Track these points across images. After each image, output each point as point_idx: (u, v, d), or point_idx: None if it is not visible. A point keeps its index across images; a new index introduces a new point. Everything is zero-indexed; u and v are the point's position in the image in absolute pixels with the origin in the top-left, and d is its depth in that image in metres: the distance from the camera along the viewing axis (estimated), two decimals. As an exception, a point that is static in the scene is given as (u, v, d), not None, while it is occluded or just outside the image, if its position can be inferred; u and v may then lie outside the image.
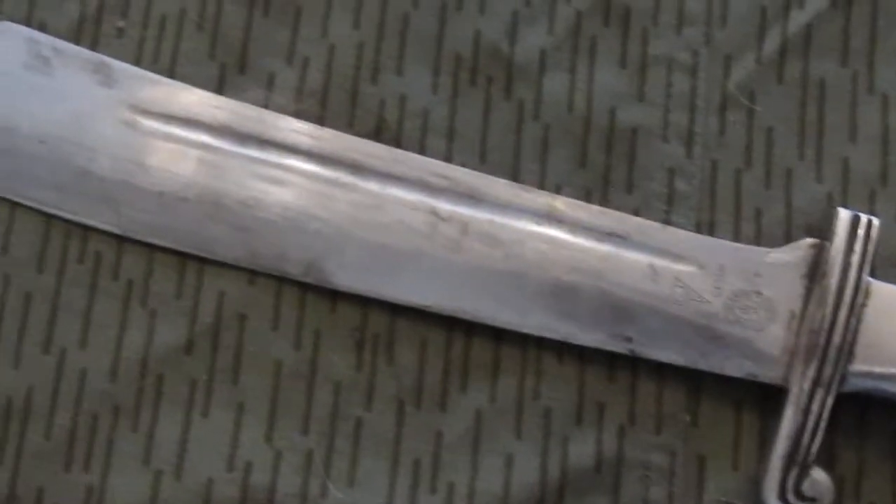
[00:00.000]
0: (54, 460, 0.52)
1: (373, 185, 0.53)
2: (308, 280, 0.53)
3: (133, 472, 0.52)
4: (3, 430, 0.52)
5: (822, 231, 0.52)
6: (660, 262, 0.52)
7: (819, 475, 0.50)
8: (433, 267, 0.53)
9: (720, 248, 0.52)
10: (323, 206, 0.53)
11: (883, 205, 0.54)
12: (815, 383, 0.50)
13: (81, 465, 0.52)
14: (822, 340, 0.50)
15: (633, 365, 0.53)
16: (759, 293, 0.51)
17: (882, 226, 0.51)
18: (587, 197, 0.54)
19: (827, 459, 0.51)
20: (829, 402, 0.50)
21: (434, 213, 0.53)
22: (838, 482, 0.51)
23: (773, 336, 0.51)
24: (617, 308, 0.52)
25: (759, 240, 0.54)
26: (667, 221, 0.54)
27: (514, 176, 0.54)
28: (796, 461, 0.50)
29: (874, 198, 0.54)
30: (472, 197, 0.53)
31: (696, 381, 0.53)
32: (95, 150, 0.54)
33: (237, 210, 0.53)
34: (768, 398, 0.52)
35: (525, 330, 0.52)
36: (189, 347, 0.53)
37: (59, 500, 0.52)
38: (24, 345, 0.53)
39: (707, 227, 0.54)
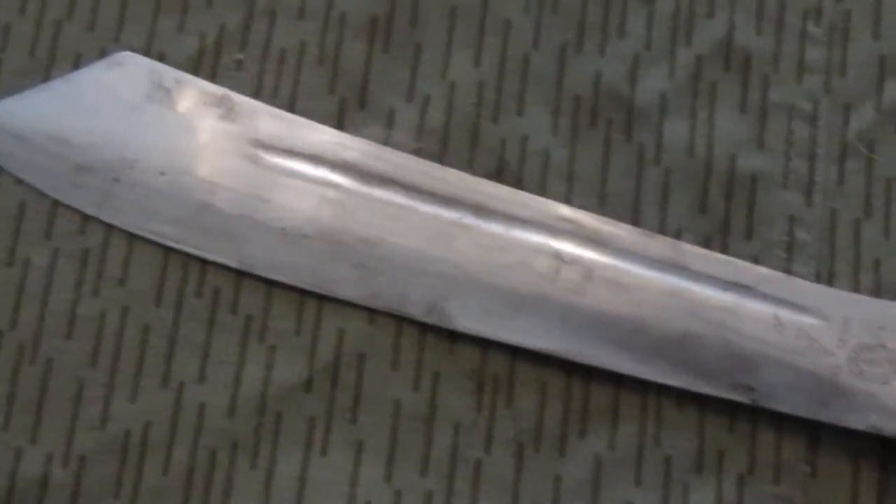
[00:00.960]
0: (172, 496, 0.52)
1: (496, 227, 0.53)
2: (428, 321, 0.53)
3: (252, 509, 0.52)
4: (120, 464, 0.52)
5: (943, 284, 0.52)
6: (784, 314, 0.52)
7: (941, 529, 0.51)
8: (554, 311, 0.52)
9: (845, 301, 0.52)
10: (445, 246, 0.53)
11: None
12: (940, 438, 0.50)
13: (199, 502, 0.52)
14: (949, 397, 0.50)
15: (753, 413, 0.53)
16: (883, 346, 0.51)
17: None
18: (707, 243, 0.54)
19: (947, 514, 0.52)
20: (954, 457, 0.50)
21: (558, 256, 0.53)
22: (957, 539, 0.51)
23: (898, 390, 0.51)
24: (739, 358, 0.52)
25: (878, 290, 0.54)
26: (787, 270, 0.54)
27: (634, 220, 0.54)
28: (919, 519, 0.50)
29: None
30: (596, 241, 0.53)
31: (815, 432, 0.53)
32: (216, 183, 0.53)
33: (359, 249, 0.53)
34: (890, 451, 0.52)
35: (645, 377, 0.52)
36: (308, 385, 0.53)
37: (176, 536, 0.51)
38: (142, 378, 0.53)
39: (826, 276, 0.54)
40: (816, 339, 0.52)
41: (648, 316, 0.52)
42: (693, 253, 0.53)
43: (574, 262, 0.53)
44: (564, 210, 0.53)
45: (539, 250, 0.53)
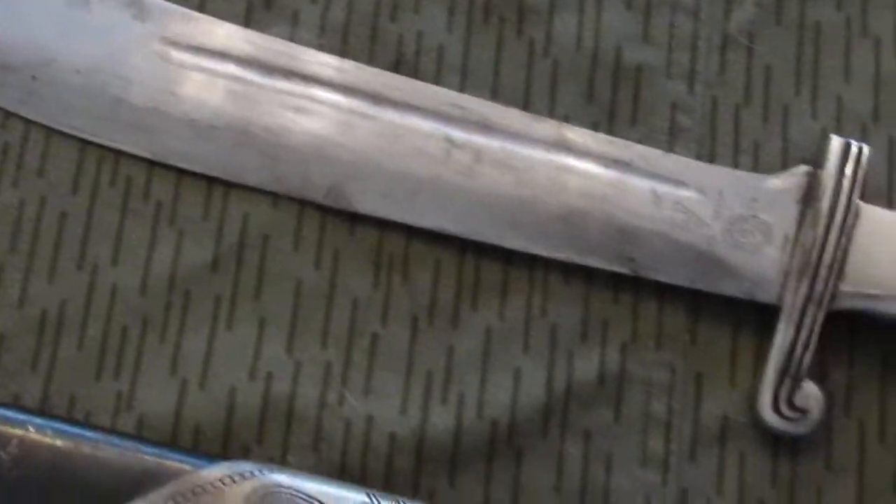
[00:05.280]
0: (86, 369, 0.55)
1: (392, 115, 0.56)
2: (329, 203, 0.56)
3: (160, 380, 0.55)
4: (37, 340, 0.55)
5: (817, 163, 0.55)
6: (662, 188, 0.55)
7: (810, 388, 0.53)
8: (447, 192, 0.55)
9: (720, 175, 0.55)
10: (345, 133, 0.56)
11: (874, 140, 0.57)
12: (808, 300, 0.53)
13: (112, 373, 0.55)
14: (814, 259, 0.53)
15: (636, 286, 0.56)
16: (755, 217, 0.54)
17: (872, 158, 0.54)
18: (594, 129, 0.57)
19: (818, 375, 0.54)
20: (820, 317, 0.53)
21: (449, 140, 0.56)
22: (828, 397, 0.54)
23: (769, 258, 0.54)
24: (622, 231, 0.55)
25: (756, 171, 0.57)
26: (669, 152, 0.57)
27: (525, 109, 0.57)
28: (789, 374, 0.53)
29: (866, 133, 0.57)
30: (485, 125, 0.56)
31: (695, 303, 0.55)
32: (129, 79, 0.57)
33: (264, 137, 0.56)
34: (764, 321, 0.55)
35: (534, 251, 0.55)
36: (215, 266, 0.56)
37: (90, 406, 0.54)
38: (59, 261, 0.56)
39: (707, 158, 0.57)
40: (693, 212, 0.54)
41: (535, 194, 0.55)
42: (576, 133, 0.56)
43: (464, 145, 0.56)
44: (455, 97, 0.56)
45: (431, 135, 0.56)
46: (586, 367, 0.55)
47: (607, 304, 0.56)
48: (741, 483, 0.54)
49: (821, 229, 0.53)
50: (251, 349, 0.55)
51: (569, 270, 0.56)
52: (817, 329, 0.53)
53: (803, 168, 0.55)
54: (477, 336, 0.55)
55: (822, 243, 0.53)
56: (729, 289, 0.54)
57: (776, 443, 0.54)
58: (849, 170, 0.53)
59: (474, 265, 0.56)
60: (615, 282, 0.56)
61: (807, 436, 0.54)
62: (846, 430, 0.54)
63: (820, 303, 0.53)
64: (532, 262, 0.56)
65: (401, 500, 0.51)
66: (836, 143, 0.54)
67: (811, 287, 0.53)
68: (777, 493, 0.54)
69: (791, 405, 0.53)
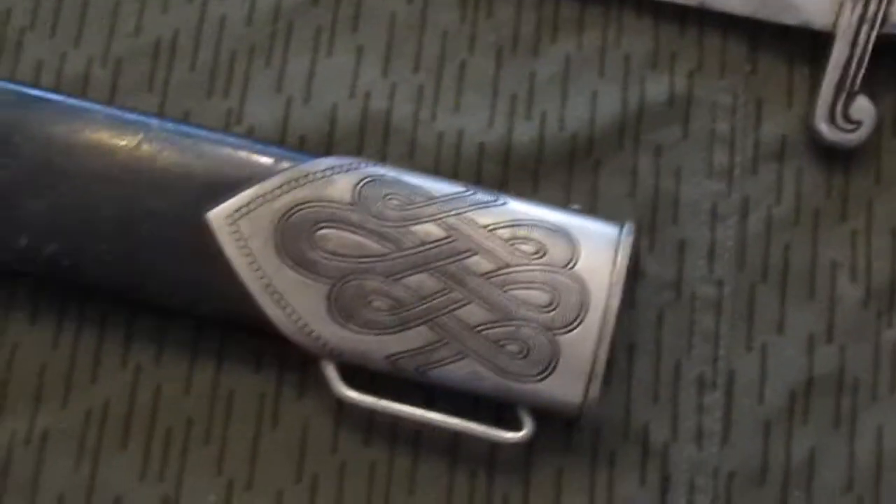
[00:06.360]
0: (198, 89, 0.60)
1: None
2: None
3: (267, 97, 0.60)
4: (152, 65, 0.60)
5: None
6: None
7: (863, 101, 0.58)
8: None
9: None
10: None
11: None
12: (861, 20, 0.58)
13: (222, 92, 0.60)
14: (866, -15, 0.58)
15: (701, 20, 0.61)
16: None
17: None
18: None
19: (871, 96, 0.59)
20: (873, 37, 0.58)
21: None
22: (879, 117, 0.59)
23: (825, -11, 0.59)
24: (687, -32, 0.60)
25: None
26: None
27: None
28: (844, 89, 0.58)
29: None
30: None
31: (755, 34, 0.60)
32: None
33: None
34: (819, 47, 0.60)
35: (607, -14, 0.61)
36: (316, 0, 0.61)
37: (202, 120, 0.59)
38: (172, -2, 0.61)
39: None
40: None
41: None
42: None
43: None
44: None
45: None
46: (657, 89, 0.60)
47: (674, 35, 0.61)
48: (798, 193, 0.59)
49: (874, -46, 0.58)
50: (350, 73, 0.60)
51: (640, 6, 0.61)
52: (870, 48, 0.58)
53: None
54: (556, 63, 0.60)
55: (875, -31, 0.58)
56: (788, 18, 0.59)
57: (830, 158, 0.59)
58: None
59: (553, 4, 0.61)
60: (682, 16, 0.61)
61: (858, 150, 0.59)
62: (895, 149, 0.60)
63: (873, 23, 0.58)
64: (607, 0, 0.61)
65: (496, 193, 0.56)
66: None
67: (865, 8, 0.58)
68: (830, 204, 0.59)
69: (845, 117, 0.58)
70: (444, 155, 0.59)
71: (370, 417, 0.56)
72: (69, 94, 0.58)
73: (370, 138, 0.59)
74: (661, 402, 0.57)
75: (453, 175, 0.58)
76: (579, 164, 0.59)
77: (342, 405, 0.55)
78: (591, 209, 0.58)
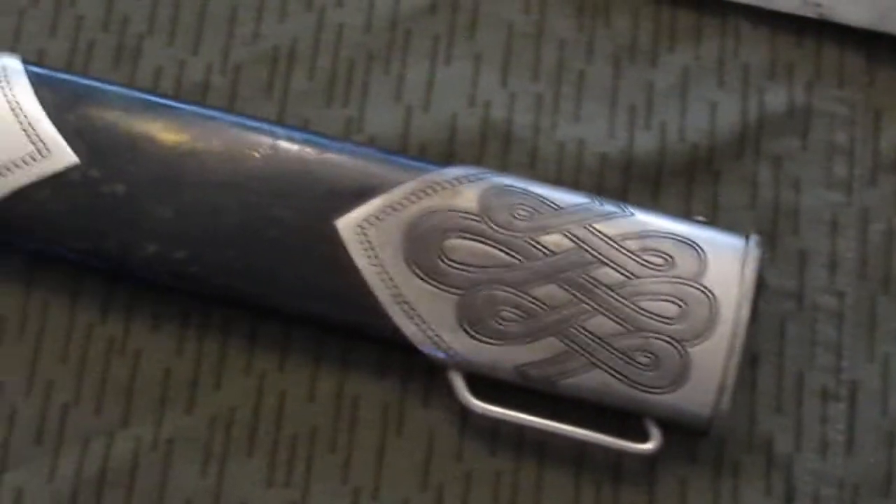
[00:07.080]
0: (317, 97, 0.60)
1: None
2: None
3: (387, 106, 0.60)
4: (270, 72, 0.60)
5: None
6: None
7: None
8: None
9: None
10: None
11: None
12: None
13: (341, 101, 0.60)
14: None
15: (819, 31, 0.61)
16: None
17: None
18: None
19: None
20: None
21: None
22: None
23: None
24: (809, -20, 0.60)
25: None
26: None
27: None
28: (966, 101, 0.58)
29: None
30: None
31: (874, 47, 0.61)
32: None
33: None
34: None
35: (725, -3, 0.61)
36: (433, 9, 0.61)
37: (322, 129, 0.59)
38: (288, 3, 0.61)
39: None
40: (874, -39, 0.60)
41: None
42: None
43: None
44: None
45: None
46: (776, 100, 0.60)
47: (792, 46, 0.61)
48: (918, 203, 0.59)
49: None
50: (468, 81, 0.60)
51: (758, 16, 0.61)
52: None
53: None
54: (674, 74, 0.60)
55: None
56: (907, 28, 0.60)
57: (951, 168, 0.60)
58: None
59: (670, 13, 0.61)
60: (799, 27, 0.61)
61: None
62: None
63: None
64: (724, 9, 0.61)
65: (621, 204, 0.56)
66: None
67: None
68: (951, 209, 0.59)
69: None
70: (566, 165, 0.59)
71: (495, 427, 0.56)
72: (190, 102, 0.58)
73: (491, 147, 0.59)
74: (784, 412, 0.57)
75: (574, 185, 0.59)
76: (699, 175, 0.59)
77: (466, 413, 0.55)
78: (712, 220, 0.58)
